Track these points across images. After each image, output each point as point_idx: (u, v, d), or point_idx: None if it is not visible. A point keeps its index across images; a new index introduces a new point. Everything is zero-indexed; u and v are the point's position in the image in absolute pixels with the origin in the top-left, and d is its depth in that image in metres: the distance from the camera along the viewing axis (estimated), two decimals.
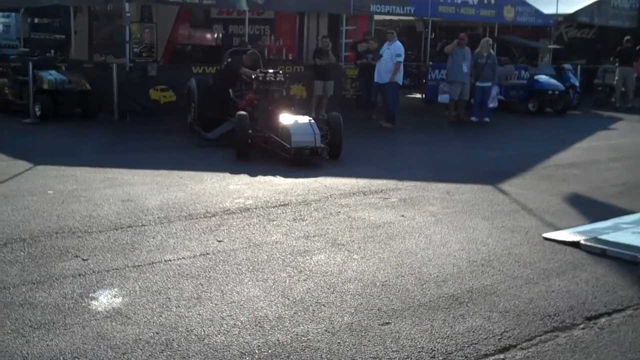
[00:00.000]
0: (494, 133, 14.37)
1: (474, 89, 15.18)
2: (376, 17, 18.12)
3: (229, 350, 3.88)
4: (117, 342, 3.91)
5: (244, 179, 8.46)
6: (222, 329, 4.14)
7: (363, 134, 12.69)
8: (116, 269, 5.09)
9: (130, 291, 4.68)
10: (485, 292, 4.89)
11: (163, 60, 16.32)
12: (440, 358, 3.90)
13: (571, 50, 22.15)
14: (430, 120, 15.77)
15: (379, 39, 16.40)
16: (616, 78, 19.16)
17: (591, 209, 7.52)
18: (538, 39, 21.46)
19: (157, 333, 4.05)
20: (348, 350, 3.93)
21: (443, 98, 15.38)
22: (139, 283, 4.83)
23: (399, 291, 4.86)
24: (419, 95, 19.27)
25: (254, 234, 6.12)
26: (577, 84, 18.38)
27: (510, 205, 7.53)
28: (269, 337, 4.06)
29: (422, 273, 5.25)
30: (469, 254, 5.74)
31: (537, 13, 19.65)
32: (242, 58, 11.73)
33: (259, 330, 4.13)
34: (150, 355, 3.79)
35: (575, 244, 6.03)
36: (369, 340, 4.06)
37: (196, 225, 6.31)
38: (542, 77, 17.43)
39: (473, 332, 4.23)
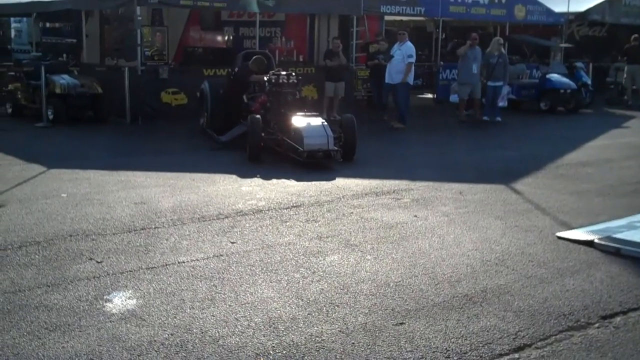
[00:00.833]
0: (506, 132, 14.30)
1: (486, 89, 15.15)
2: (386, 17, 18.10)
3: (244, 351, 3.89)
4: (132, 344, 3.93)
5: (256, 181, 8.47)
6: (237, 330, 4.15)
7: (374, 134, 12.67)
8: (130, 271, 5.12)
9: (144, 293, 4.70)
10: (499, 292, 4.88)
11: (174, 63, 16.36)
12: (455, 358, 3.89)
13: (582, 48, 22.03)
14: (442, 120, 15.72)
15: (389, 39, 16.38)
16: (625, 76, 19.06)
17: (605, 207, 7.48)
18: (549, 38, 21.35)
19: (171, 334, 4.06)
20: (362, 351, 3.93)
21: (454, 98, 15.44)
22: (153, 285, 4.85)
23: (412, 291, 4.86)
24: (430, 95, 19.24)
25: (266, 235, 6.13)
26: (589, 82, 18.26)
27: (523, 205, 7.51)
28: (283, 338, 4.06)
29: (436, 273, 5.24)
30: (483, 254, 5.73)
31: (548, 12, 19.57)
32: (247, 66, 11.59)
33: (273, 331, 4.14)
34: (165, 356, 3.80)
35: (589, 243, 6.00)
36: (383, 341, 4.06)
37: (209, 227, 6.33)
38: (554, 76, 17.32)
39: (487, 331, 4.22)
